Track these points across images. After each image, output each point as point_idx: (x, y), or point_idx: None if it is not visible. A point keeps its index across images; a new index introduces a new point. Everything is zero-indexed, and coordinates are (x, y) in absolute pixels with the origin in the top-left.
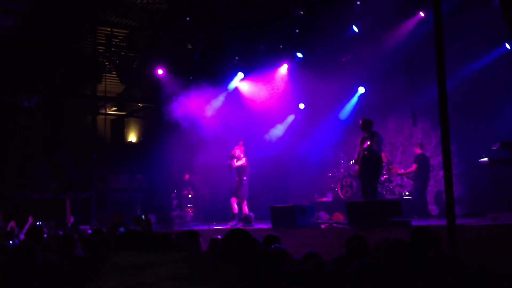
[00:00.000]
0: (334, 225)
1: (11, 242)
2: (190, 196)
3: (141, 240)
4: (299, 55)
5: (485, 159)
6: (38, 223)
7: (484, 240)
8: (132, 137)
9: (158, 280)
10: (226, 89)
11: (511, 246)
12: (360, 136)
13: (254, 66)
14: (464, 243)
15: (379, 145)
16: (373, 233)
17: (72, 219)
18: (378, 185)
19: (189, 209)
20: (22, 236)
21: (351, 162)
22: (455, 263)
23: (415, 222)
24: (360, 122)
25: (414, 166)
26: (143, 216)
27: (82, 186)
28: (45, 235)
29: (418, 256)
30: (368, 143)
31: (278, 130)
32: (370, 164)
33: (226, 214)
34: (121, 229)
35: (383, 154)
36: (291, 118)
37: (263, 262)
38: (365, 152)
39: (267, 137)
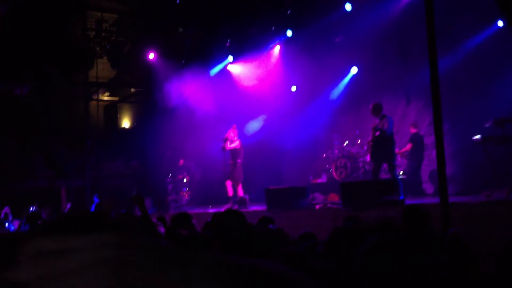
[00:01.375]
0: (329, 205)
1: (6, 225)
2: (185, 180)
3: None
4: (289, 33)
5: (478, 136)
6: (32, 208)
7: (477, 217)
8: (126, 123)
9: (81, 267)
10: (218, 72)
11: (504, 223)
12: (367, 120)
13: (246, 49)
14: (458, 220)
15: (389, 126)
16: (367, 213)
17: (69, 205)
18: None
19: (184, 193)
20: (16, 223)
21: (345, 144)
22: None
23: (409, 201)
24: (371, 106)
25: (409, 146)
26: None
27: (77, 173)
28: (39, 222)
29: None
30: (377, 123)
31: (252, 126)
32: (382, 145)
33: (221, 198)
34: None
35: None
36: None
37: (259, 242)
38: (377, 133)
39: (245, 130)
